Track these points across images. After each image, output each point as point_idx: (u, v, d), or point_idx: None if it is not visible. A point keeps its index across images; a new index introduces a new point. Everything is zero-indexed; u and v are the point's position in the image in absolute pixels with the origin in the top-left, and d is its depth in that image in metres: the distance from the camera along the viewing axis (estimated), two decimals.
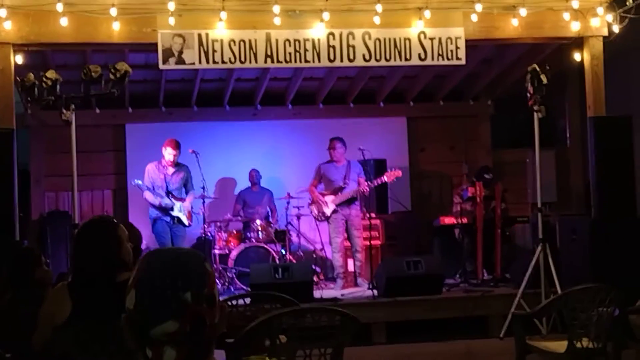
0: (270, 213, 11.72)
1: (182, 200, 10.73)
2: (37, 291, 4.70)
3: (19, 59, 8.97)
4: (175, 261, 1.91)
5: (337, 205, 10.75)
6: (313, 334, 4.84)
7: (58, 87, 7.73)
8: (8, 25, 8.59)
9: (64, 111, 7.76)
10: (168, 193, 10.62)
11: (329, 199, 10.82)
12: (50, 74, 7.75)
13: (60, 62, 10.14)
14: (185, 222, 10.71)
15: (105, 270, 4.13)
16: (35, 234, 10.92)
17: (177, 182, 10.79)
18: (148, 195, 10.61)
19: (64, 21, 8.58)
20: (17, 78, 8.18)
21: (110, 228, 4.26)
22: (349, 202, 10.77)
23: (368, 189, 10.72)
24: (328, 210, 10.80)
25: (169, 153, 10.67)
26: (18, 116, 9.09)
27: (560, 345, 6.12)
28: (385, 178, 10.71)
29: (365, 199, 11.11)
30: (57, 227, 10.59)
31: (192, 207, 10.87)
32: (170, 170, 10.74)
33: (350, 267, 11.03)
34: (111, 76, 7.71)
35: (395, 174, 10.71)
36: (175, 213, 10.61)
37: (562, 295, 6.58)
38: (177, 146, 10.69)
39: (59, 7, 8.48)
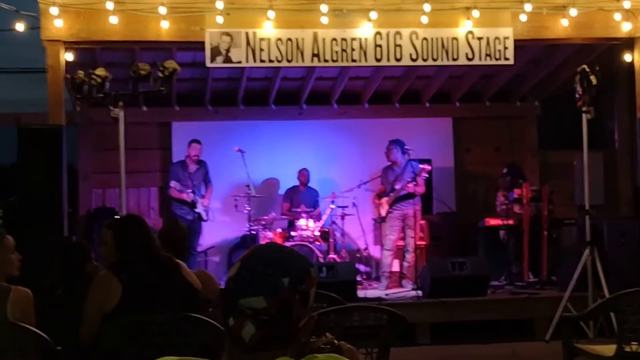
0: (315, 212, 11.73)
1: (203, 197, 11.34)
2: (88, 285, 4.76)
3: (69, 56, 9.09)
4: (284, 253, 2.02)
5: (391, 205, 10.77)
6: (359, 333, 4.83)
7: (107, 84, 7.82)
8: (59, 23, 8.71)
9: (112, 108, 7.85)
10: (192, 191, 11.16)
11: (384, 200, 10.87)
12: (100, 71, 7.84)
13: (109, 60, 10.24)
14: (204, 217, 11.31)
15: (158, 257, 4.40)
16: (83, 229, 11.06)
17: (199, 179, 11.39)
18: (175, 192, 11.16)
19: (113, 19, 8.69)
20: (67, 75, 8.30)
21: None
22: (405, 200, 10.75)
23: (421, 189, 10.75)
24: (383, 211, 10.85)
25: (193, 148, 11.33)
26: (67, 113, 9.20)
27: (609, 349, 6.05)
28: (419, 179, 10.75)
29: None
30: (104, 222, 10.66)
31: (209, 203, 11.48)
32: (194, 167, 11.36)
33: (395, 267, 11.01)
34: (159, 74, 7.79)
35: (424, 168, 10.68)
36: (197, 209, 11.19)
37: (612, 298, 6.50)
38: (199, 142, 11.44)
39: (109, 5, 8.59)
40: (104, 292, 4.44)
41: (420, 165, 10.76)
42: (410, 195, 10.71)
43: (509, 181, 11.45)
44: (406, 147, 10.74)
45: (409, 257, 10.76)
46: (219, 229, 11.92)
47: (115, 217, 5.33)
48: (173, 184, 11.07)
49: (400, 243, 10.90)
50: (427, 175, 10.92)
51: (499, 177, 11.77)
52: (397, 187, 10.75)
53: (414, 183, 10.63)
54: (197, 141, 11.46)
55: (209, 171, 11.57)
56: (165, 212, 11.81)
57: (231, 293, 1.94)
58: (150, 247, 4.62)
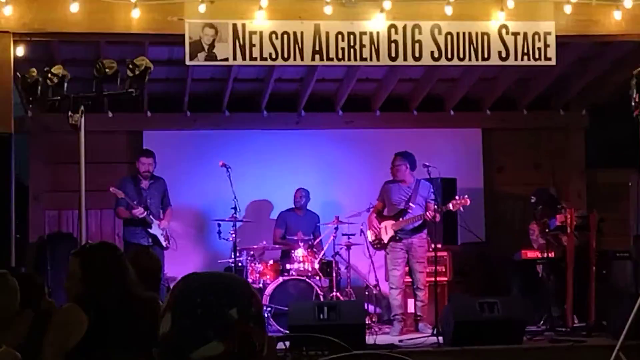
0: (314, 241, 11.75)
1: (160, 219, 11.25)
2: (41, 324, 4.81)
3: (20, 51, 9.14)
4: (217, 280, 2.00)
5: (396, 232, 10.78)
6: None
7: (65, 85, 7.87)
8: (8, 10, 8.76)
9: (72, 114, 7.89)
10: (145, 209, 11.09)
11: (388, 223, 10.84)
12: (57, 69, 7.89)
13: (69, 56, 10.32)
14: (163, 243, 11.17)
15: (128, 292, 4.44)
16: (33, 259, 11.08)
17: (155, 197, 11.35)
18: (121, 210, 11.19)
19: (74, 7, 8.74)
20: (18, 74, 8.35)
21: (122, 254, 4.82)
22: (413, 229, 10.77)
23: (438, 217, 10.69)
24: (385, 237, 10.83)
25: (142, 163, 11.25)
26: (17, 119, 9.25)
27: None
28: (450, 206, 10.68)
29: (430, 227, 11.06)
30: (59, 251, 10.71)
31: (169, 227, 11.41)
32: (146, 183, 11.30)
33: (410, 308, 11.02)
34: (129, 73, 7.83)
35: (462, 202, 10.65)
36: (152, 231, 11.09)
37: None
38: (151, 154, 11.35)
39: None
40: (67, 326, 4.50)
41: (457, 199, 10.70)
42: (419, 225, 10.75)
43: (542, 211, 11.43)
44: (425, 163, 10.69)
45: (422, 295, 10.76)
46: (196, 260, 11.95)
47: (85, 244, 5.36)
48: (113, 189, 10.95)
49: (407, 279, 10.91)
50: (462, 210, 10.93)
51: (531, 207, 11.74)
52: (414, 213, 10.73)
53: (434, 209, 10.62)
54: (148, 153, 11.43)
55: (167, 190, 11.51)
56: None
57: (175, 351, 1.91)
58: (124, 280, 4.63)
